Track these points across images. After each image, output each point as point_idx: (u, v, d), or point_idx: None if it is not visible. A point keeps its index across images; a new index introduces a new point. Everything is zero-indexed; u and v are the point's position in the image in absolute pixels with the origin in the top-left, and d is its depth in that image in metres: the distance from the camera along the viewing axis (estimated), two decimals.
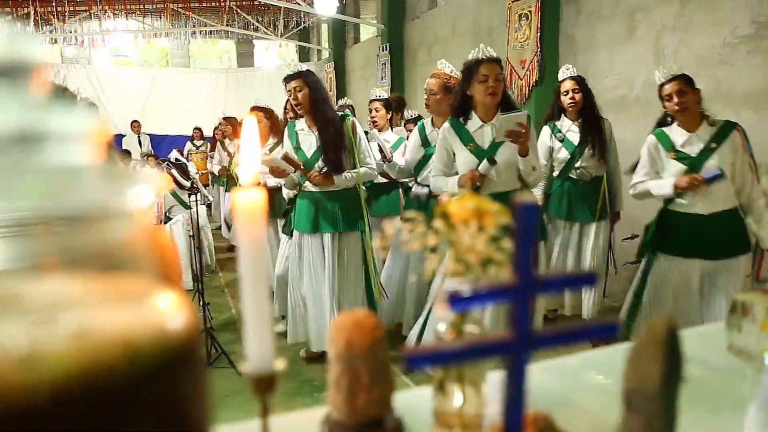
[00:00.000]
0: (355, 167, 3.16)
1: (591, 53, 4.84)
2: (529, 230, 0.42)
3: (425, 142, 3.39)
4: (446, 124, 2.77)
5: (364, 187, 3.27)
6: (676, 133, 2.71)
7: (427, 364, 0.41)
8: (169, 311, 0.28)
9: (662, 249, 2.82)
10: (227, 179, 6.46)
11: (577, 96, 3.44)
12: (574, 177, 3.51)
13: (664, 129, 2.77)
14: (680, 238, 2.74)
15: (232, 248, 6.38)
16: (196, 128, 8.78)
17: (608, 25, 4.66)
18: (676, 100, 2.61)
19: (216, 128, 7.28)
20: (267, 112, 4.09)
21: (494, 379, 0.65)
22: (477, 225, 0.58)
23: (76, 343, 0.25)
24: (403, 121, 4.40)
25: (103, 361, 0.25)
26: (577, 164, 3.49)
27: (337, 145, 3.07)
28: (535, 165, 2.66)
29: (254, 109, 4.03)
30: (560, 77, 3.56)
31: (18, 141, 0.26)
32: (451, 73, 3.24)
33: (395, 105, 4.21)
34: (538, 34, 5.25)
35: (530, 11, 5.38)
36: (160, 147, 9.33)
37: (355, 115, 4.67)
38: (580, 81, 3.48)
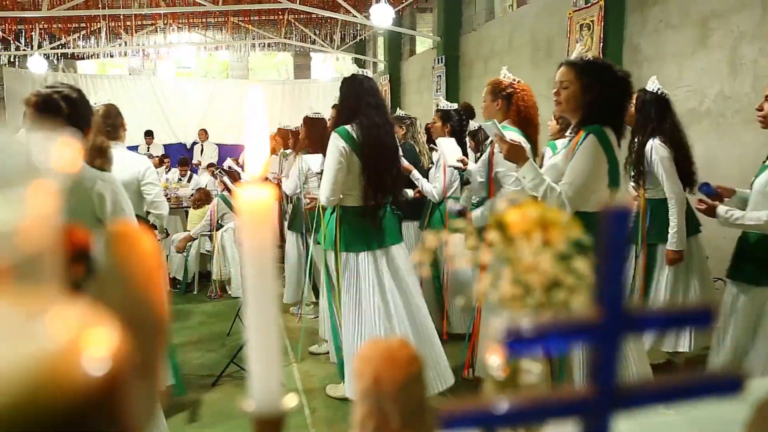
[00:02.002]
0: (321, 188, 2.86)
1: (657, 63, 4.58)
2: (619, 246, 0.30)
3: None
4: None
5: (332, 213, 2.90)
6: None
7: (472, 427, 0.30)
8: (79, 341, 0.18)
9: None
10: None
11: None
12: None
13: None
14: None
15: None
16: None
17: (678, 33, 4.41)
18: None
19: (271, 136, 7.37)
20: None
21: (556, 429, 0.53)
22: (541, 239, 0.47)
23: None
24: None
25: None
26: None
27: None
28: (529, 184, 2.18)
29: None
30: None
31: None
32: (504, 77, 3.00)
33: (445, 115, 4.00)
34: (601, 44, 5.03)
35: (593, 21, 5.17)
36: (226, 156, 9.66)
37: (410, 128, 4.42)
38: (637, 95, 3.03)
